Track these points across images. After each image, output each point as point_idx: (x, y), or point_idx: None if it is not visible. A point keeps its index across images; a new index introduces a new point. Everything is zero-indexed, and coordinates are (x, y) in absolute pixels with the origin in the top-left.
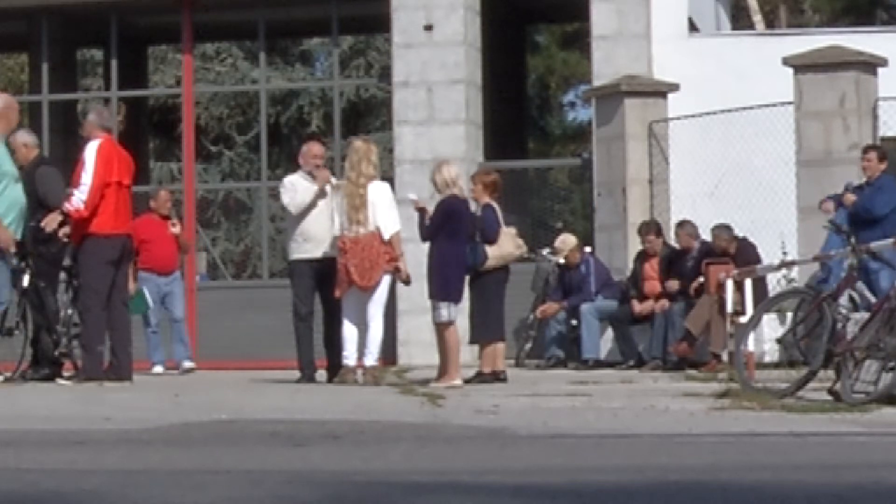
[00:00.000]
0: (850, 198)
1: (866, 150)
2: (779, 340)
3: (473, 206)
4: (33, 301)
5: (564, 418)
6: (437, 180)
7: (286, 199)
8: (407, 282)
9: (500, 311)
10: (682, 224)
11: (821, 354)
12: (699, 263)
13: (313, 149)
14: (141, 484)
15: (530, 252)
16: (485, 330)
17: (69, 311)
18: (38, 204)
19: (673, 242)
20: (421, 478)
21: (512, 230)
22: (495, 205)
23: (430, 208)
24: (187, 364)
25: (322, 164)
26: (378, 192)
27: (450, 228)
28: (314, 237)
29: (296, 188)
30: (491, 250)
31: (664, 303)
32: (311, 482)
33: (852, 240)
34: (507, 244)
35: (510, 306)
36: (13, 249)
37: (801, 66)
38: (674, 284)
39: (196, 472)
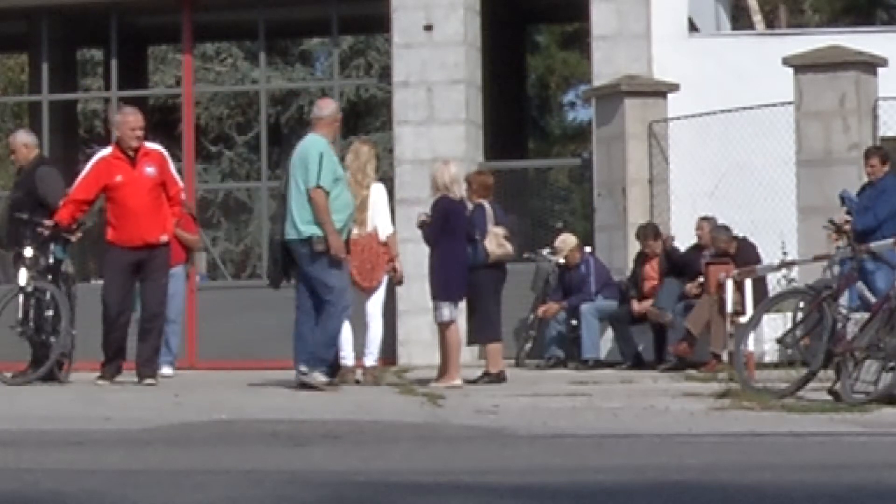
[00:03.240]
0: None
1: (869, 155)
2: (779, 340)
3: (470, 207)
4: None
5: (564, 418)
6: (438, 181)
7: None
8: (400, 282)
9: (496, 311)
10: (706, 219)
11: (821, 354)
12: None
13: None
14: (141, 484)
15: (530, 252)
16: (483, 330)
17: (49, 312)
18: (38, 204)
19: (674, 243)
20: (421, 478)
21: (499, 230)
22: (487, 205)
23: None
24: (166, 370)
25: None
26: (376, 193)
27: (448, 228)
28: None
29: None
30: None
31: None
32: (311, 482)
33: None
34: (489, 243)
35: (510, 306)
36: (343, 256)
37: (801, 66)
38: (692, 289)
39: (196, 472)
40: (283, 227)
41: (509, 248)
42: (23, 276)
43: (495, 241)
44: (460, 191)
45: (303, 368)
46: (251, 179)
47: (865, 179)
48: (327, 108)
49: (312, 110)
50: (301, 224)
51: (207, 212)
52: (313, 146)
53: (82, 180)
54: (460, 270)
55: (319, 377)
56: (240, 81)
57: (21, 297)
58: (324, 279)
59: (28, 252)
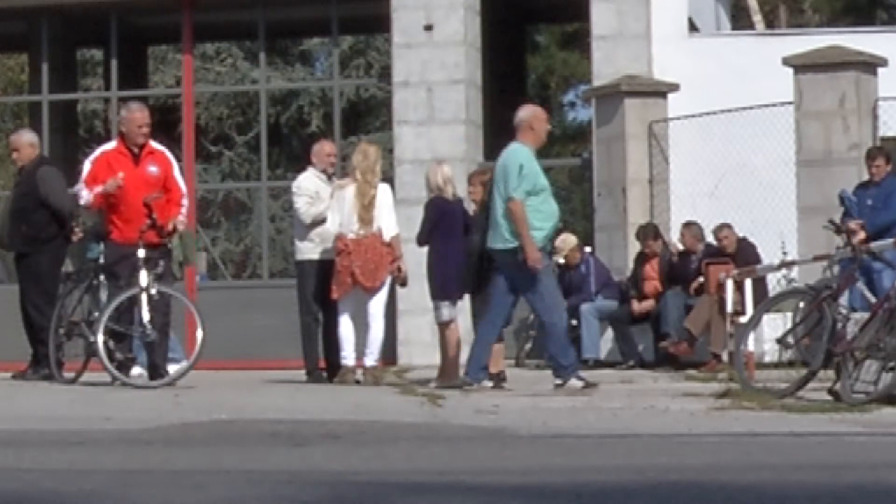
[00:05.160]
0: (855, 227)
1: (874, 155)
2: (779, 340)
3: (472, 207)
4: (37, 303)
5: (564, 418)
6: (431, 182)
7: (302, 206)
8: (404, 283)
9: None
10: (688, 225)
11: (821, 354)
12: (700, 264)
13: (326, 147)
14: (141, 484)
15: None
16: None
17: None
18: (40, 204)
19: (675, 242)
20: (421, 478)
21: None
22: None
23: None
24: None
25: (335, 163)
26: (382, 193)
27: (444, 228)
28: (329, 238)
29: (321, 196)
30: None
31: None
32: (311, 482)
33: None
34: None
35: None
36: (539, 266)
37: (801, 66)
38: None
39: (196, 472)
40: (485, 237)
41: None
42: (143, 278)
43: None
44: (454, 191)
45: (558, 381)
46: (251, 179)
47: (864, 179)
48: (520, 112)
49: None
50: (508, 234)
51: (207, 212)
52: (514, 156)
53: (87, 178)
54: (458, 270)
55: (576, 383)
56: (240, 81)
57: (145, 299)
58: (537, 289)
59: (142, 252)
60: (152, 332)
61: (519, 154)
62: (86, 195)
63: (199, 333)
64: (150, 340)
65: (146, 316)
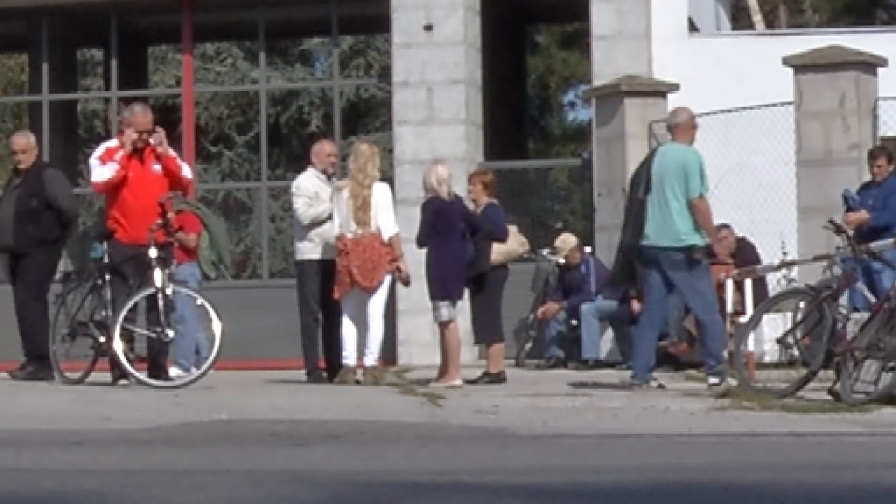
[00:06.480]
0: (863, 217)
1: (876, 155)
2: (779, 340)
3: (472, 207)
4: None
5: (564, 418)
6: (426, 183)
7: (301, 207)
8: (407, 283)
9: (500, 311)
10: None
11: (821, 354)
12: None
13: (326, 147)
14: (141, 484)
15: (530, 252)
16: (489, 330)
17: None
18: (47, 206)
19: None
20: (421, 478)
21: (513, 228)
22: (497, 203)
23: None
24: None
25: (336, 163)
26: (379, 193)
27: (442, 228)
28: (329, 238)
29: (319, 197)
30: (496, 247)
31: None
32: (311, 482)
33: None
34: (511, 241)
35: (510, 306)
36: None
37: (801, 66)
38: None
39: (196, 472)
40: (638, 233)
41: (527, 244)
42: (158, 277)
43: (516, 240)
44: (450, 190)
45: (714, 381)
46: (251, 179)
47: (865, 179)
48: (682, 114)
49: (669, 118)
50: (682, 233)
51: None
52: (691, 155)
53: (103, 157)
54: (457, 270)
55: (731, 381)
56: (240, 81)
57: (161, 299)
58: (698, 287)
59: (153, 252)
60: (170, 333)
61: (694, 153)
62: (108, 168)
63: (217, 329)
64: (168, 341)
65: (163, 316)
